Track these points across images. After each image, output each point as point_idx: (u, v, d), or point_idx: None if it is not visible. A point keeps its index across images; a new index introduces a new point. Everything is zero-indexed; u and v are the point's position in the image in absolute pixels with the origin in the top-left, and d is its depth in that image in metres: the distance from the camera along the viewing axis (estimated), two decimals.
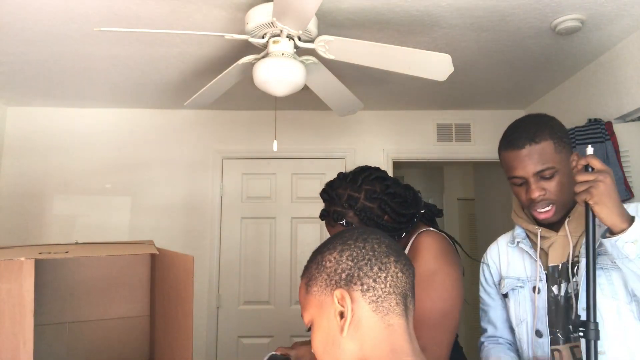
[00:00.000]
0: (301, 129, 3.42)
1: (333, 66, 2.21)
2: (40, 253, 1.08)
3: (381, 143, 3.42)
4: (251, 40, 1.78)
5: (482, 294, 1.41)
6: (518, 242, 1.29)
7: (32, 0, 1.81)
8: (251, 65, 1.89)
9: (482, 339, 1.40)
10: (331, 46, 1.74)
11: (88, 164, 3.31)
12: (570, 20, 1.94)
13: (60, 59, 2.41)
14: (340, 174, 1.44)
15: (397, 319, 0.75)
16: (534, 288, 1.23)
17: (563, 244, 1.19)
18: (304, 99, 3.01)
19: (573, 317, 1.15)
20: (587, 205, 1.06)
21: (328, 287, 0.77)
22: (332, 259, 0.78)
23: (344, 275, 0.76)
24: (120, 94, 3.02)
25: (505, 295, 1.31)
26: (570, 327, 1.16)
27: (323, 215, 1.42)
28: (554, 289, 1.19)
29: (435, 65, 1.75)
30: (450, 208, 5.01)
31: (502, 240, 1.37)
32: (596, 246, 1.09)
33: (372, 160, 3.31)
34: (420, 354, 0.76)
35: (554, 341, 1.19)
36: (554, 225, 1.21)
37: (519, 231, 1.31)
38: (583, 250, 1.16)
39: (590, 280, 1.05)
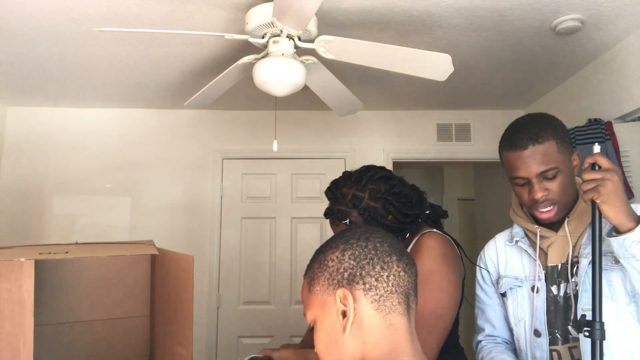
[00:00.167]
0: (301, 129, 3.42)
1: (333, 66, 2.21)
2: (40, 253, 1.08)
3: (381, 143, 3.42)
4: (251, 40, 1.78)
5: (478, 292, 1.39)
6: (517, 241, 1.29)
7: (32, 0, 1.81)
8: (251, 65, 1.89)
9: (480, 338, 1.38)
10: (331, 46, 1.74)
11: (88, 164, 3.31)
12: (570, 20, 1.94)
13: (60, 59, 2.41)
14: (345, 173, 1.43)
15: (399, 319, 0.75)
16: (532, 287, 1.23)
17: (562, 244, 1.19)
18: (304, 99, 3.01)
19: (572, 317, 1.15)
20: (593, 203, 1.05)
21: (330, 286, 0.77)
22: (335, 258, 0.78)
23: (346, 275, 0.76)
24: (120, 94, 3.02)
25: (503, 295, 1.30)
26: (569, 327, 1.16)
27: (327, 214, 1.42)
28: (553, 289, 1.19)
29: (435, 65, 1.75)
30: (450, 208, 5.00)
31: (500, 239, 1.36)
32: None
33: (372, 161, 3.30)
34: (421, 353, 0.76)
35: (552, 341, 1.18)
36: (554, 225, 1.21)
37: (517, 230, 1.30)
38: (582, 251, 1.16)
39: (596, 279, 1.04)
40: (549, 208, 1.16)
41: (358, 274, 0.76)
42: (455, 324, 1.38)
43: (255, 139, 3.39)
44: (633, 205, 1.08)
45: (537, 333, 1.21)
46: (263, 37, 1.76)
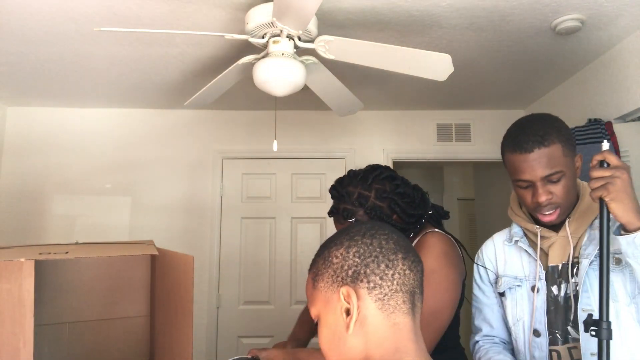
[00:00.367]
0: (301, 129, 3.42)
1: (333, 66, 2.21)
2: (40, 253, 1.08)
3: (381, 143, 3.42)
4: (251, 40, 1.78)
5: (476, 291, 1.38)
6: (516, 241, 1.28)
7: (32, 0, 1.81)
8: (251, 65, 1.89)
9: (477, 338, 1.37)
10: (331, 46, 1.74)
11: (88, 164, 3.31)
12: (570, 20, 1.94)
13: (60, 59, 2.41)
14: (350, 172, 1.44)
15: (403, 318, 0.75)
16: (532, 287, 1.22)
17: (563, 244, 1.19)
18: (304, 99, 3.01)
19: (571, 318, 1.15)
20: (601, 201, 1.04)
21: (334, 283, 0.76)
22: (339, 254, 0.77)
23: (350, 272, 0.75)
24: (120, 94, 3.02)
25: (502, 294, 1.29)
26: (569, 327, 1.16)
27: (332, 212, 1.42)
28: (554, 289, 1.19)
29: (435, 65, 1.75)
30: (450, 208, 4.98)
31: (498, 238, 1.35)
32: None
33: (372, 160, 3.30)
34: (426, 353, 0.75)
35: (552, 342, 1.18)
36: (554, 225, 1.20)
37: (516, 229, 1.29)
38: (583, 251, 1.15)
39: (603, 278, 1.02)
40: (551, 211, 1.16)
41: (362, 272, 0.75)
42: (455, 324, 1.39)
43: (255, 139, 3.39)
44: None
45: (536, 333, 1.21)
46: (263, 37, 1.76)
